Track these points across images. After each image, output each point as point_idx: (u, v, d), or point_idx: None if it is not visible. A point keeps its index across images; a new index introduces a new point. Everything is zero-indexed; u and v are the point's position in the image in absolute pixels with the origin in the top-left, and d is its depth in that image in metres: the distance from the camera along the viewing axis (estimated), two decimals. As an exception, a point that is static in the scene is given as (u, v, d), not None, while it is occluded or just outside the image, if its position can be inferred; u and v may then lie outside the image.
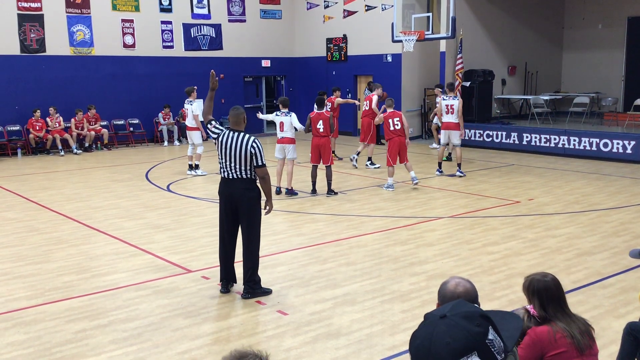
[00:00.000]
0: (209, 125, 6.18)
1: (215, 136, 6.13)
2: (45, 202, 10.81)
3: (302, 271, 6.90)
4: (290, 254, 7.58)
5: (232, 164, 6.00)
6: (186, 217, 9.59)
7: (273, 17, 21.98)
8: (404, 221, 9.15)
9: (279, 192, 11.01)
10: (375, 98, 14.16)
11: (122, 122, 19.16)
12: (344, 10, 20.58)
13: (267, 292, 6.16)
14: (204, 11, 20.43)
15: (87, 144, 17.73)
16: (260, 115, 12.05)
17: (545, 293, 3.32)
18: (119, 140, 18.97)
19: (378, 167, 14.01)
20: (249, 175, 6.02)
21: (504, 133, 16.72)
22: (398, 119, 11.34)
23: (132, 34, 19.09)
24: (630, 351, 4.14)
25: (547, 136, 15.76)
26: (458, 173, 12.78)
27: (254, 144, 5.96)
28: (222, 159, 6.07)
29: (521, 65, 20.31)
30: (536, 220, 9.08)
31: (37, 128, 17.02)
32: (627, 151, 14.29)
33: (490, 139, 16.99)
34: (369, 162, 14.23)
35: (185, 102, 13.49)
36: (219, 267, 6.35)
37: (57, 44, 17.79)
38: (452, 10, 15.76)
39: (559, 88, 21.37)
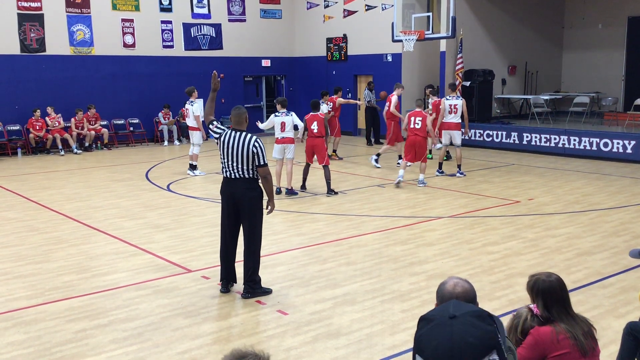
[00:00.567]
0: (210, 125, 6.18)
1: (217, 136, 6.12)
2: (45, 201, 10.81)
3: (302, 271, 6.90)
4: (290, 254, 7.58)
5: (234, 164, 6.00)
6: (186, 217, 9.59)
7: (273, 17, 21.98)
8: (404, 221, 9.15)
9: (279, 192, 11.00)
10: (394, 99, 13.92)
11: (122, 121, 19.17)
12: (344, 10, 20.58)
13: (267, 292, 6.17)
14: (204, 11, 20.43)
15: (87, 144, 17.73)
16: (261, 125, 11.50)
17: (550, 294, 3.28)
18: (119, 140, 18.97)
19: (379, 167, 14.00)
20: (250, 175, 6.02)
21: (504, 133, 16.72)
22: (420, 118, 11.55)
23: (132, 34, 19.10)
24: (630, 351, 4.13)
25: (547, 136, 15.76)
26: (458, 174, 12.78)
27: (256, 144, 5.96)
28: (224, 158, 6.07)
29: (521, 65, 20.31)
30: (536, 220, 9.08)
31: (37, 128, 17.02)
32: (627, 151, 14.29)
33: (490, 138, 17.00)
34: (375, 156, 14.18)
35: (187, 102, 13.49)
36: (219, 267, 6.35)
37: (57, 43, 17.80)
38: (452, 10, 15.77)
39: (559, 88, 21.36)
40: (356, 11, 20.23)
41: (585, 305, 5.70)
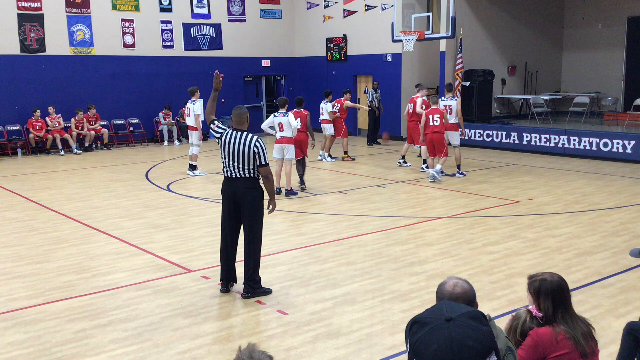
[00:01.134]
0: (211, 125, 6.18)
1: (218, 135, 6.13)
2: (45, 201, 10.81)
3: (302, 271, 6.90)
4: (291, 254, 7.58)
5: (235, 163, 6.00)
6: (186, 217, 9.59)
7: (273, 17, 21.98)
8: (404, 221, 9.15)
9: (278, 192, 11.00)
10: (419, 100, 13.69)
11: (122, 121, 19.17)
12: (344, 10, 20.58)
13: (267, 291, 6.17)
14: (204, 11, 20.43)
15: (87, 144, 17.73)
16: (263, 126, 11.42)
17: (559, 293, 3.26)
18: (119, 140, 18.97)
19: (409, 165, 13.98)
20: (251, 175, 6.03)
21: (504, 133, 16.72)
22: (439, 115, 11.87)
23: (132, 34, 19.10)
24: (630, 351, 4.13)
25: (547, 136, 15.76)
26: (458, 174, 12.80)
27: (257, 143, 5.96)
28: (225, 158, 6.07)
29: (521, 65, 20.31)
30: (536, 220, 9.08)
31: (37, 128, 17.02)
32: (627, 151, 14.29)
33: (490, 138, 17.00)
34: (402, 159, 14.08)
35: (188, 101, 13.49)
36: (219, 267, 6.35)
37: (57, 43, 17.80)
38: (452, 10, 15.76)
39: (559, 88, 21.36)
40: (356, 11, 20.23)
41: (585, 305, 5.70)
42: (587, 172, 13.14)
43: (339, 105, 15.22)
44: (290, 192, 11.03)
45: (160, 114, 19.15)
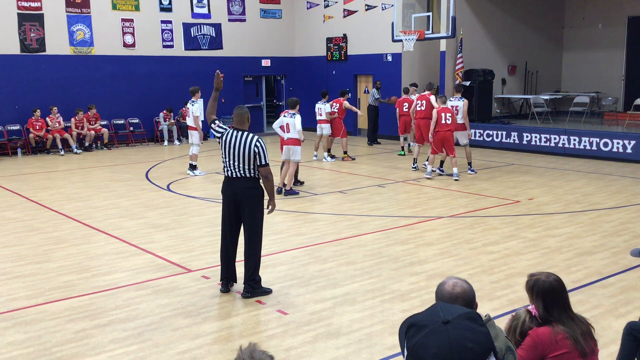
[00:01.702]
0: (212, 125, 6.18)
1: (218, 135, 6.13)
2: (45, 201, 10.81)
3: (302, 271, 6.90)
4: (291, 254, 7.58)
5: (236, 163, 6.00)
6: (186, 217, 9.59)
7: (273, 17, 21.98)
8: (404, 221, 9.15)
9: (279, 192, 10.99)
10: (433, 98, 13.57)
11: (122, 121, 19.17)
12: (344, 9, 20.58)
13: (267, 291, 6.17)
14: (204, 11, 20.43)
15: (87, 144, 17.73)
16: (275, 125, 11.37)
17: (550, 295, 3.26)
18: (119, 139, 18.97)
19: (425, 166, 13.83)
20: (252, 174, 6.03)
21: (504, 133, 16.72)
22: (450, 114, 12.12)
23: (132, 34, 19.10)
24: (630, 351, 4.13)
25: (547, 136, 15.76)
26: (469, 171, 13.00)
27: (258, 143, 5.97)
28: (225, 157, 6.07)
29: (521, 65, 20.31)
30: (536, 219, 9.08)
31: (37, 127, 17.02)
32: (627, 151, 14.29)
33: (490, 138, 17.00)
34: (440, 168, 13.41)
35: (189, 102, 13.51)
36: (219, 267, 6.35)
37: (57, 43, 17.79)
38: (452, 10, 15.76)
39: (559, 88, 21.37)
40: (356, 11, 20.23)
41: (585, 305, 5.70)
42: (587, 172, 13.13)
43: (337, 105, 15.20)
44: (290, 192, 11.03)
45: (161, 114, 19.15)
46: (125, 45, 19.00)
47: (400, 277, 6.61)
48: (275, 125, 11.28)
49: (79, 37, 18.19)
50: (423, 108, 13.66)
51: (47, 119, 17.26)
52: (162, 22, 19.61)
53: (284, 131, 11.01)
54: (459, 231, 8.49)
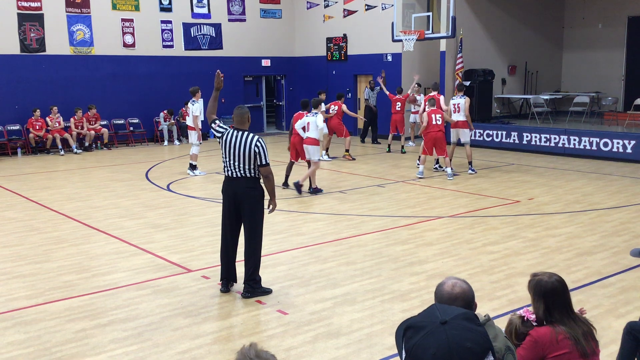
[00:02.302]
0: (212, 124, 6.18)
1: (219, 135, 6.13)
2: (45, 201, 10.81)
3: (302, 271, 6.90)
4: (291, 254, 7.58)
5: (236, 163, 6.00)
6: (186, 217, 9.59)
7: (273, 17, 21.98)
8: (404, 221, 9.15)
9: (285, 186, 11.10)
10: (442, 98, 13.67)
11: (122, 121, 19.17)
12: (344, 9, 20.58)
13: (267, 291, 6.17)
14: (204, 10, 20.43)
15: (87, 144, 17.73)
16: (297, 126, 11.31)
17: (552, 296, 3.25)
18: (119, 139, 18.97)
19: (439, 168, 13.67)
20: (252, 174, 6.03)
21: (504, 133, 16.72)
22: (440, 115, 12.29)
23: (132, 34, 19.09)
24: (630, 351, 4.13)
25: (547, 136, 15.76)
26: (470, 171, 13.03)
27: (258, 143, 5.97)
28: (226, 157, 6.07)
29: (521, 65, 20.31)
30: (536, 219, 9.08)
31: (37, 127, 17.02)
32: (627, 151, 14.29)
33: (490, 138, 17.00)
34: (437, 164, 13.60)
35: (189, 101, 13.53)
36: (219, 267, 6.35)
37: (57, 43, 17.80)
38: (452, 10, 15.77)
39: (559, 87, 21.36)
40: (356, 11, 20.23)
41: (585, 305, 5.68)
42: (587, 172, 13.13)
43: (336, 107, 15.21)
44: (315, 190, 11.08)
45: (161, 114, 19.15)
46: (125, 45, 19.00)
47: (400, 277, 6.61)
48: (298, 125, 11.25)
49: (79, 37, 18.19)
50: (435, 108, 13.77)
51: (47, 119, 17.26)
52: (162, 22, 19.61)
53: (307, 130, 11.03)
54: (459, 231, 8.49)
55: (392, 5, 17.52)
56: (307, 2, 21.85)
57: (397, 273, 6.76)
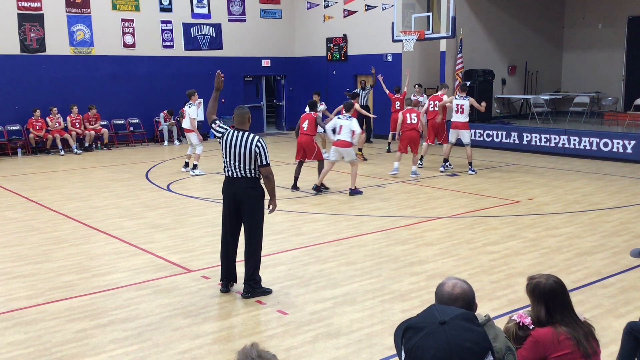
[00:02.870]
0: (213, 125, 6.18)
1: (219, 135, 6.13)
2: (45, 201, 10.81)
3: (302, 271, 6.90)
4: (291, 254, 7.58)
5: (237, 163, 6.00)
6: (186, 217, 9.59)
7: (273, 17, 21.98)
8: (404, 221, 9.15)
9: (316, 189, 11.08)
10: (445, 97, 13.67)
11: (122, 121, 19.17)
12: (344, 9, 20.58)
13: (267, 291, 6.17)
14: (204, 11, 20.43)
15: (87, 144, 17.73)
16: (327, 127, 11.31)
17: (552, 297, 3.24)
18: (119, 139, 18.97)
19: (452, 168, 13.61)
20: (253, 174, 6.03)
21: (504, 133, 16.72)
22: (415, 114, 12.50)
23: (132, 34, 19.10)
24: (630, 351, 4.13)
25: (547, 136, 15.76)
26: (470, 171, 13.09)
27: (259, 143, 5.97)
28: (226, 157, 6.07)
29: (521, 65, 20.31)
30: (536, 219, 9.08)
31: (37, 128, 17.02)
32: (627, 151, 14.29)
33: (490, 138, 17.00)
34: (446, 164, 13.63)
35: (186, 103, 13.55)
36: (219, 267, 6.35)
37: (57, 43, 17.79)
38: (452, 10, 15.77)
39: (559, 88, 21.37)
40: (356, 11, 20.23)
41: (585, 305, 5.70)
42: (587, 172, 13.13)
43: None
44: (354, 191, 10.94)
45: (161, 114, 19.15)
46: (125, 45, 19.00)
47: (400, 277, 6.61)
48: (329, 126, 11.19)
49: (79, 37, 18.19)
50: (437, 108, 13.84)
51: (47, 119, 17.25)
52: (162, 22, 19.61)
53: (338, 133, 10.91)
54: (459, 231, 8.49)
55: (392, 5, 17.53)
56: (307, 2, 21.85)
57: (397, 273, 6.76)
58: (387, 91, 16.63)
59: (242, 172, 6.01)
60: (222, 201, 6.27)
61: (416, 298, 6.00)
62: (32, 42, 17.44)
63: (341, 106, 15.28)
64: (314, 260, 7.28)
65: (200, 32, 20.40)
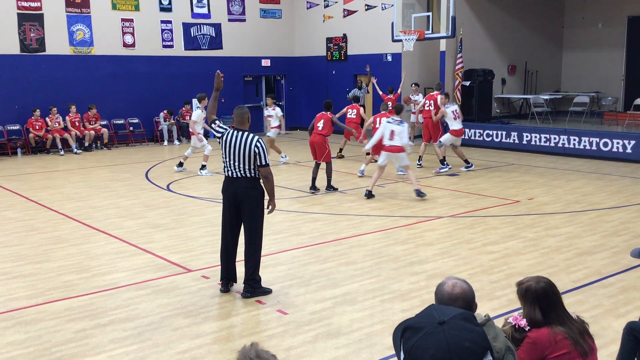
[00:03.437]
0: (213, 125, 6.20)
1: (219, 135, 6.14)
2: (45, 201, 10.81)
3: (302, 270, 6.90)
4: (291, 253, 7.58)
5: (236, 163, 6.01)
6: (186, 217, 9.59)
7: (273, 17, 21.98)
8: (404, 220, 9.15)
9: (368, 195, 10.65)
10: (439, 97, 13.55)
11: (122, 121, 19.17)
12: (344, 9, 20.59)
13: (267, 291, 6.17)
14: (204, 10, 20.43)
15: (87, 144, 17.73)
16: (379, 132, 10.90)
17: (544, 299, 3.26)
18: (119, 139, 18.98)
19: (450, 168, 13.50)
20: (252, 174, 6.03)
21: (504, 132, 16.72)
22: (356, 110, 12.85)
23: (132, 34, 19.10)
24: (630, 351, 4.13)
25: (547, 136, 15.76)
26: (465, 168, 13.27)
27: (258, 143, 5.97)
28: (226, 157, 6.08)
29: (521, 65, 20.31)
30: (536, 219, 9.08)
31: (37, 127, 17.03)
32: (627, 150, 14.29)
33: (490, 138, 16.99)
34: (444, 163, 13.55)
35: (195, 106, 13.65)
36: (219, 267, 6.35)
37: (57, 43, 17.80)
38: (452, 10, 15.77)
39: (559, 87, 21.37)
40: (356, 11, 20.23)
41: (585, 305, 5.70)
42: (587, 171, 13.13)
43: (355, 110, 15.13)
44: (419, 193, 10.56)
45: (161, 114, 19.15)
46: (125, 45, 19.00)
47: (400, 277, 6.61)
48: (379, 132, 10.82)
49: (79, 37, 18.19)
50: (432, 108, 13.88)
51: (47, 119, 17.25)
52: (162, 22, 19.61)
53: (391, 139, 10.51)
54: (459, 231, 8.49)
55: (392, 5, 17.53)
56: (307, 2, 21.85)
57: (397, 273, 6.76)
58: (381, 92, 16.60)
59: (242, 172, 6.02)
60: (221, 201, 6.28)
61: (416, 298, 6.00)
62: (32, 41, 17.44)
63: (346, 107, 15.22)
64: (313, 260, 7.28)
65: (200, 32, 20.41)
